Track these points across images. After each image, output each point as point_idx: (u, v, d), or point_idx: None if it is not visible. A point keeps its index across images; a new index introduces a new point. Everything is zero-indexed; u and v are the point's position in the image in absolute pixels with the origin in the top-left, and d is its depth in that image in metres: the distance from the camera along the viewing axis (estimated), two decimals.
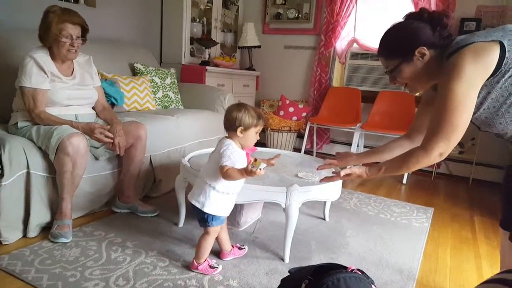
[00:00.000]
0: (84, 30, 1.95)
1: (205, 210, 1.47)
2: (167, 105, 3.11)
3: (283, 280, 1.08)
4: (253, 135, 1.48)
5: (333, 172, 1.53)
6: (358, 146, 3.79)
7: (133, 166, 2.11)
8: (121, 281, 1.46)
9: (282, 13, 4.33)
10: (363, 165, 1.44)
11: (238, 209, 1.96)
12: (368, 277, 0.98)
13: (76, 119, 1.97)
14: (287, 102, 4.05)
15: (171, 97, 3.15)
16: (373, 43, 3.90)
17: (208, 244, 1.57)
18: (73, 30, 1.88)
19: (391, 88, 3.87)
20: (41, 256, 1.61)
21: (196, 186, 1.54)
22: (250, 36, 4.23)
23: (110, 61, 2.90)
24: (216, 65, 3.82)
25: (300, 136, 4.14)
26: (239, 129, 1.45)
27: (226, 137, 1.51)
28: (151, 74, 3.08)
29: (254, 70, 4.39)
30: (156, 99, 3.04)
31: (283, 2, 4.30)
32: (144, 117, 2.45)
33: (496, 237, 2.27)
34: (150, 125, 2.28)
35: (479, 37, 1.12)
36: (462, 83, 1.09)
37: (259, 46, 4.29)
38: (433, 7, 3.44)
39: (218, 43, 4.02)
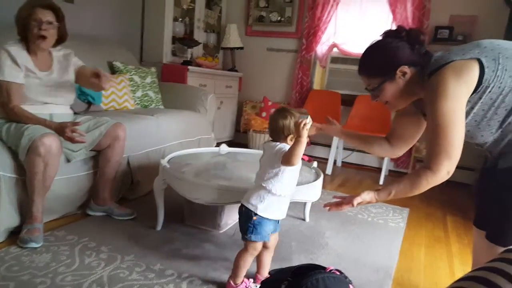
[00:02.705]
0: (58, 17, 1.87)
1: (258, 212, 1.38)
2: (146, 104, 3.07)
3: (263, 282, 1.07)
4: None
5: (338, 197, 1.41)
6: (337, 148, 3.83)
7: (110, 168, 2.05)
8: (94, 287, 1.41)
9: (265, 15, 4.35)
10: (374, 190, 1.34)
11: (218, 211, 1.94)
12: (346, 277, 0.99)
13: (50, 119, 1.88)
14: (270, 103, 4.06)
15: (151, 97, 3.10)
16: (353, 48, 3.96)
17: (245, 262, 1.45)
18: (43, 14, 1.80)
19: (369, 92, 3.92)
20: (8, 263, 1.52)
21: (250, 191, 1.44)
22: (233, 37, 4.22)
23: (88, 58, 2.80)
24: (199, 65, 3.80)
25: None
26: (289, 137, 1.38)
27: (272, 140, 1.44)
28: (130, 73, 3.03)
29: (236, 71, 4.38)
30: (136, 99, 2.99)
31: (266, 5, 4.31)
32: (123, 116, 2.40)
33: (466, 236, 2.34)
34: (129, 125, 2.23)
35: (456, 55, 1.16)
36: (448, 101, 1.11)
37: (242, 48, 4.29)
38: (409, 15, 3.53)
39: (200, 43, 3.99)
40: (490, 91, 1.13)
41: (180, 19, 3.93)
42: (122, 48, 3.36)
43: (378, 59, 1.29)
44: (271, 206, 1.38)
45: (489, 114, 1.17)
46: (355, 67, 3.97)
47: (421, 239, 2.22)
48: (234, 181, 1.80)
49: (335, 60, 4.24)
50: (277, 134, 1.40)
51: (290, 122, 1.37)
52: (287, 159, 1.31)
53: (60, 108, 1.99)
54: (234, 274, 1.48)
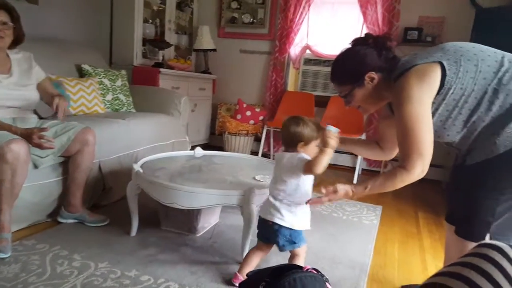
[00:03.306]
0: (12, 17, 1.81)
1: (296, 228, 1.41)
2: (117, 108, 3.00)
3: (241, 284, 1.06)
4: (313, 148, 1.42)
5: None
6: None
7: (80, 173, 1.99)
8: None
9: (237, 17, 4.34)
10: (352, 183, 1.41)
11: (194, 214, 1.92)
12: (323, 275, 1.00)
13: (14, 123, 1.81)
14: (244, 105, 4.05)
15: (122, 100, 3.04)
16: (325, 49, 4.03)
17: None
18: None
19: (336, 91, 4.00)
20: None
21: (271, 207, 1.44)
22: (206, 39, 4.19)
23: (55, 61, 2.74)
24: (171, 68, 3.75)
25: (258, 139, 4.16)
26: (299, 144, 1.39)
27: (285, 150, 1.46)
28: (99, 76, 2.95)
29: (210, 73, 4.35)
30: (106, 102, 2.92)
31: (238, 6, 4.31)
32: (92, 121, 2.33)
33: (438, 231, 2.41)
34: (99, 129, 2.17)
35: (421, 59, 1.21)
36: (413, 104, 1.17)
37: (214, 50, 4.26)
38: (379, 17, 3.62)
39: (172, 45, 3.94)
40: (452, 93, 1.18)
41: (150, 21, 3.87)
42: (90, 50, 3.27)
43: (347, 67, 1.34)
44: (304, 216, 1.44)
45: (453, 114, 1.22)
46: (328, 69, 4.08)
47: (394, 235, 2.28)
48: (210, 184, 1.78)
49: (308, 61, 4.29)
50: (290, 141, 1.42)
51: (302, 129, 1.39)
52: (310, 168, 1.34)
53: (22, 112, 1.92)
54: None
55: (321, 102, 4.02)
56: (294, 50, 4.13)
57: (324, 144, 1.31)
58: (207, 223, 2.05)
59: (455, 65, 1.18)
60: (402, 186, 1.23)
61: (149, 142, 2.71)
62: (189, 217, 1.93)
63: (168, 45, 3.78)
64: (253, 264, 1.56)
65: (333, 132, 1.32)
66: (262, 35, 4.29)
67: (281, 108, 4.12)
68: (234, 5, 4.31)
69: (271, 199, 1.46)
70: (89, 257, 1.66)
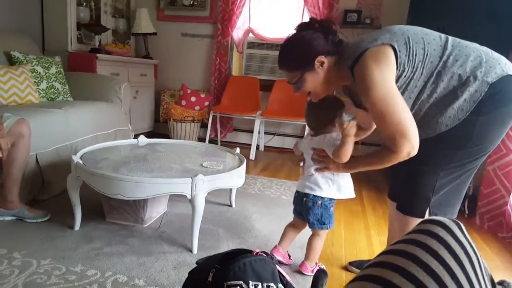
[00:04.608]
0: None
1: (334, 196, 1.52)
2: (53, 97, 2.81)
3: (190, 272, 1.07)
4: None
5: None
6: (259, 132, 3.92)
7: (16, 168, 1.86)
8: None
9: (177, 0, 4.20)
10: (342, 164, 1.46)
11: (141, 204, 1.88)
12: (272, 258, 1.03)
13: None
14: (189, 91, 3.98)
15: (57, 88, 2.85)
16: (268, 33, 4.04)
17: (321, 246, 1.61)
18: None
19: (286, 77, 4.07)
20: None
21: (312, 181, 1.53)
22: (144, 22, 4.03)
23: None
24: (109, 53, 3.56)
25: (204, 125, 4.12)
26: (324, 129, 1.49)
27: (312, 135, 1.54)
28: (32, 63, 2.74)
29: (151, 58, 4.21)
30: (40, 91, 2.72)
31: None
32: (26, 111, 2.17)
33: (381, 208, 2.58)
34: (34, 120, 2.03)
35: (370, 43, 1.21)
36: (378, 87, 1.16)
37: (154, 33, 4.12)
38: (319, 0, 3.69)
39: (109, 29, 3.74)
40: (405, 76, 1.21)
41: (85, 4, 3.63)
42: (21, 36, 3.01)
43: (296, 52, 1.32)
44: (341, 186, 1.52)
45: (404, 96, 1.24)
46: (271, 52, 4.16)
47: (340, 215, 2.38)
48: (156, 173, 1.75)
49: (251, 45, 4.28)
50: (314, 127, 1.52)
51: (319, 114, 1.49)
52: (337, 156, 1.39)
53: None
54: (310, 258, 1.61)
55: (266, 86, 4.06)
56: (237, 33, 4.10)
57: (344, 134, 1.34)
58: (154, 213, 2.02)
59: (405, 47, 1.19)
60: (392, 163, 1.24)
61: (89, 131, 2.58)
62: (135, 208, 1.89)
63: (105, 29, 3.59)
64: (291, 237, 1.69)
65: (348, 120, 1.33)
66: (203, 18, 4.21)
67: (227, 93, 4.11)
68: None
69: (311, 172, 1.54)
70: (31, 254, 1.57)
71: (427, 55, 1.20)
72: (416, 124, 1.19)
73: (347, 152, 1.36)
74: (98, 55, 3.28)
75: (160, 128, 4.26)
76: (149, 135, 2.44)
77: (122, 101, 3.04)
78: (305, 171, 1.58)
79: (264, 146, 4.17)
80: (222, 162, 2.03)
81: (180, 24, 4.28)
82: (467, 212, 2.51)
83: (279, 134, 4.23)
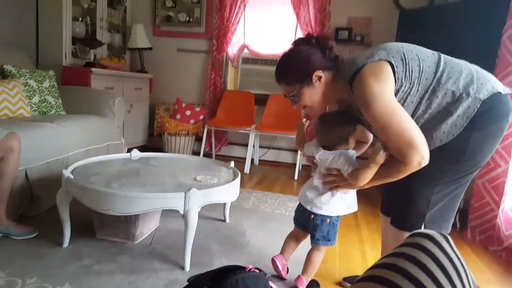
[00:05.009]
0: None
1: (343, 213, 1.50)
2: (45, 111, 2.78)
3: None
4: (353, 143, 1.45)
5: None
6: (254, 146, 3.90)
7: (4, 183, 1.82)
8: None
9: (173, 16, 4.24)
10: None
11: (132, 220, 1.83)
12: (266, 274, 1.00)
13: None
14: (184, 105, 3.97)
15: (50, 102, 2.82)
16: (262, 49, 4.07)
17: (320, 261, 1.57)
18: None
19: (280, 91, 4.09)
20: None
21: (320, 198, 1.48)
22: (140, 37, 4.05)
23: None
24: (103, 67, 3.56)
25: (198, 139, 4.10)
26: (337, 147, 1.44)
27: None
28: (24, 77, 2.72)
29: (146, 72, 4.21)
30: (32, 105, 2.70)
31: (173, 5, 4.20)
32: (18, 125, 2.14)
33: (375, 221, 2.55)
34: (25, 134, 1.99)
35: (367, 58, 1.22)
36: (378, 101, 1.16)
37: (150, 48, 4.13)
38: (312, 18, 3.73)
39: (104, 43, 3.75)
40: (403, 90, 1.21)
41: (81, 19, 3.64)
42: (14, 50, 3.00)
43: (294, 66, 1.33)
44: (349, 201, 1.49)
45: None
46: (266, 68, 4.18)
47: None
48: (148, 188, 1.72)
49: (246, 60, 4.32)
50: (332, 144, 1.44)
51: (342, 129, 1.42)
52: (356, 178, 1.32)
53: None
54: (308, 273, 1.57)
55: (261, 100, 4.06)
56: (232, 49, 4.13)
57: (373, 160, 1.28)
58: (146, 228, 1.97)
59: (402, 63, 1.20)
60: (404, 175, 1.22)
61: (81, 145, 2.55)
62: (126, 224, 1.84)
63: (100, 43, 3.59)
64: (293, 247, 1.67)
65: (381, 149, 1.28)
66: (199, 34, 4.24)
67: (222, 107, 4.11)
68: (169, 3, 4.20)
69: (315, 183, 1.50)
70: (16, 273, 1.52)
71: (422, 71, 1.21)
72: None
73: (368, 177, 1.30)
74: (93, 69, 3.27)
75: (154, 142, 4.23)
76: (143, 149, 2.42)
77: (116, 115, 3.01)
78: (314, 180, 1.52)
79: (259, 160, 4.15)
80: (216, 176, 2.00)
81: (175, 39, 4.30)
82: (458, 225, 2.50)
83: (273, 148, 4.21)
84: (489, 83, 1.22)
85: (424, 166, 1.23)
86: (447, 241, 0.55)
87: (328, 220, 1.49)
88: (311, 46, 1.32)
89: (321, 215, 1.48)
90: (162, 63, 4.35)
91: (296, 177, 3.57)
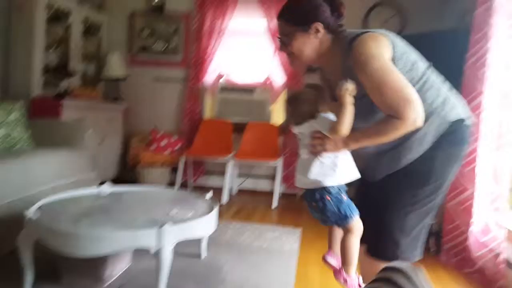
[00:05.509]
0: None
1: (334, 183, 1.28)
2: (11, 145, 2.65)
3: None
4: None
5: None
6: (232, 176, 3.84)
7: None
8: None
9: (150, 45, 4.23)
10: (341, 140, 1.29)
11: (101, 261, 1.72)
12: None
13: None
14: (159, 135, 3.89)
15: (16, 136, 2.70)
16: (239, 78, 4.10)
17: (356, 246, 1.30)
18: None
19: (258, 119, 4.18)
20: None
21: (305, 174, 1.31)
22: (115, 67, 3.99)
23: None
24: (76, 97, 3.47)
25: (175, 169, 3.99)
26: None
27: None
28: None
29: (121, 102, 4.13)
30: None
31: (150, 34, 4.20)
32: None
33: None
34: None
35: (368, 30, 1.24)
36: (376, 59, 1.16)
37: (125, 78, 4.07)
38: None
39: (77, 73, 3.67)
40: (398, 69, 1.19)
41: (54, 48, 3.57)
42: None
43: (300, 7, 1.32)
44: (344, 167, 1.29)
45: None
46: (243, 96, 4.18)
47: (314, 258, 2.29)
48: (119, 225, 1.63)
49: (224, 89, 4.33)
50: (304, 120, 1.31)
51: (310, 104, 1.30)
52: (335, 129, 1.23)
53: None
54: (347, 262, 1.32)
55: (239, 129, 4.04)
56: (209, 78, 4.12)
57: (341, 101, 1.22)
58: (117, 269, 1.86)
59: (402, 49, 1.23)
60: (395, 136, 1.16)
61: (48, 182, 2.42)
62: (95, 266, 1.73)
63: (73, 73, 3.52)
64: (337, 237, 1.43)
65: (346, 87, 1.21)
66: (176, 63, 4.23)
67: (199, 136, 4.06)
68: (146, 32, 4.20)
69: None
70: None
71: (413, 68, 1.22)
72: (380, 153, 1.21)
73: (347, 122, 1.22)
74: (64, 100, 3.19)
75: (128, 174, 4.06)
76: (116, 182, 2.32)
77: (87, 148, 2.91)
78: (302, 155, 1.40)
79: (237, 189, 4.07)
80: (192, 209, 1.92)
81: (152, 68, 4.27)
82: (433, 249, 2.51)
83: (252, 176, 4.16)
84: (459, 106, 1.26)
85: (396, 192, 1.23)
86: (420, 273, 0.57)
87: (328, 197, 1.32)
88: (324, 1, 1.31)
89: (319, 192, 1.33)
90: (138, 92, 4.29)
91: (274, 206, 3.51)
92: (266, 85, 4.11)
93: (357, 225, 1.30)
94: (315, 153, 1.30)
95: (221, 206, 3.41)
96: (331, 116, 1.30)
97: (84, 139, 2.88)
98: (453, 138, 1.23)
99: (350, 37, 1.25)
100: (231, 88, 4.28)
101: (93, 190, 2.21)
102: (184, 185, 3.90)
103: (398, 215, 1.29)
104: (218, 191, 3.62)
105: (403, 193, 1.25)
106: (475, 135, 2.27)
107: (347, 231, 1.32)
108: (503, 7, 2.21)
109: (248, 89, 4.27)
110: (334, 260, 1.45)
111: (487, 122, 2.27)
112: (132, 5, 4.24)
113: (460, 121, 1.24)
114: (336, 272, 1.37)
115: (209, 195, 2.16)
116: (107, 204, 1.99)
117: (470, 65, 2.39)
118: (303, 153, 1.36)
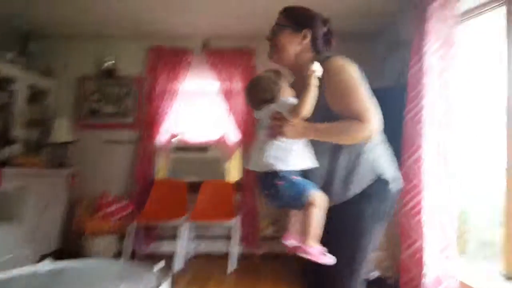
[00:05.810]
0: None
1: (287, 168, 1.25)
2: None
3: None
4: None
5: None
6: (185, 239, 3.67)
7: None
8: None
9: (99, 108, 4.16)
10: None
11: None
12: None
13: None
14: (108, 200, 3.71)
15: None
16: (192, 137, 4.11)
17: (318, 218, 1.24)
18: None
19: (213, 177, 4.15)
20: None
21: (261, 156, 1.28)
22: (62, 132, 3.84)
23: None
24: (17, 165, 3.26)
25: (124, 237, 3.72)
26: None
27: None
28: None
29: (67, 168, 3.93)
30: None
31: (100, 98, 4.15)
32: None
33: None
34: None
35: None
36: (351, 70, 1.30)
37: (72, 142, 3.92)
38: (244, 108, 3.87)
39: (19, 140, 3.50)
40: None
41: None
42: None
43: (302, 12, 1.45)
44: (297, 153, 1.28)
45: None
46: (197, 155, 4.15)
47: None
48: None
49: (178, 148, 4.28)
50: (264, 103, 1.33)
51: (269, 89, 1.32)
52: (296, 109, 1.25)
53: None
54: (309, 235, 1.24)
55: (194, 188, 3.95)
56: (162, 138, 4.08)
57: (307, 81, 1.24)
58: None
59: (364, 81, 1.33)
60: (351, 139, 1.26)
61: None
62: None
63: (14, 141, 3.35)
64: (298, 220, 1.35)
65: (315, 68, 1.24)
66: (127, 125, 4.16)
67: (151, 199, 3.90)
68: (96, 96, 4.14)
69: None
70: None
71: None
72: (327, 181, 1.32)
73: (308, 103, 1.23)
74: (4, 169, 2.99)
75: (72, 245, 3.66)
76: (59, 253, 2.13)
77: (26, 219, 2.70)
78: (260, 137, 1.36)
79: (190, 254, 3.85)
80: (139, 284, 1.78)
81: (102, 131, 4.16)
82: None
83: (208, 238, 4.01)
84: (393, 170, 1.38)
85: (342, 261, 1.25)
86: None
87: (278, 182, 1.26)
88: (321, 21, 1.45)
89: (267, 179, 1.28)
90: (87, 156, 4.12)
91: (230, 270, 3.37)
92: (221, 143, 4.13)
93: (318, 199, 1.26)
94: (273, 135, 1.29)
95: (173, 275, 3.22)
96: (292, 99, 1.32)
97: (22, 210, 2.68)
98: (381, 194, 1.33)
99: (324, 56, 1.37)
100: (184, 147, 4.25)
101: (30, 267, 2.01)
102: (134, 253, 3.66)
103: (349, 280, 1.32)
104: (172, 257, 3.44)
105: (345, 258, 1.29)
106: (417, 188, 2.38)
107: (308, 206, 1.25)
108: (432, 68, 2.42)
109: (202, 148, 4.26)
110: (292, 240, 1.36)
111: (427, 174, 2.38)
112: (81, 70, 4.21)
113: (384, 181, 1.32)
114: (297, 249, 1.27)
115: (158, 266, 2.03)
116: (44, 285, 1.81)
117: (408, 121, 2.56)
118: (261, 135, 1.34)
